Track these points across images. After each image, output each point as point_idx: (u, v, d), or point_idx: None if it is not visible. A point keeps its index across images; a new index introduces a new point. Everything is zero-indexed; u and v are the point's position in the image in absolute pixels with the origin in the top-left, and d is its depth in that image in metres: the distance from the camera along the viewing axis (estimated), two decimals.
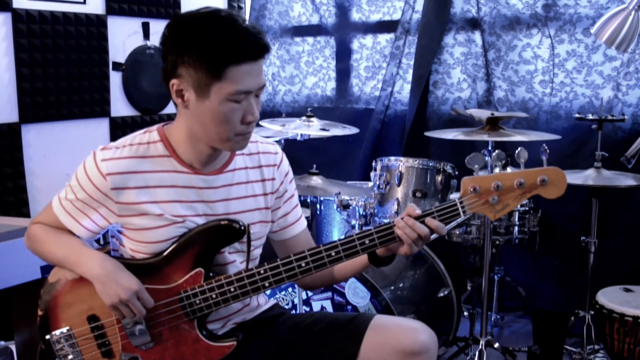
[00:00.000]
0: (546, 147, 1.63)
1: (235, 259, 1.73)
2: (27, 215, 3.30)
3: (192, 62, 1.52)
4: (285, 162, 1.85)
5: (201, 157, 1.66)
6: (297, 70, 4.35)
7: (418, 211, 1.61)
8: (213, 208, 1.69)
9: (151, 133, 1.69)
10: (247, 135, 1.63)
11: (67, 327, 1.69)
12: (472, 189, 1.60)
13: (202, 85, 1.53)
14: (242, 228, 1.65)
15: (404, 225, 1.60)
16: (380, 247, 1.64)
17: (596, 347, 2.97)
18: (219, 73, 1.51)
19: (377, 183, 3.01)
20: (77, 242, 1.69)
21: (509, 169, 2.80)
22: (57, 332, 1.70)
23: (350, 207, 2.88)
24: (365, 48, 4.10)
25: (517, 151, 1.62)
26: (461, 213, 1.60)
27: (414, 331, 1.66)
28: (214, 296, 1.64)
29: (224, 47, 1.50)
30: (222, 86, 1.52)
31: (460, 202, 1.61)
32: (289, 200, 1.84)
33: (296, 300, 2.69)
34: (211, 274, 1.66)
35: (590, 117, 2.95)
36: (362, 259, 1.72)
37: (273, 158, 1.81)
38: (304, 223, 1.89)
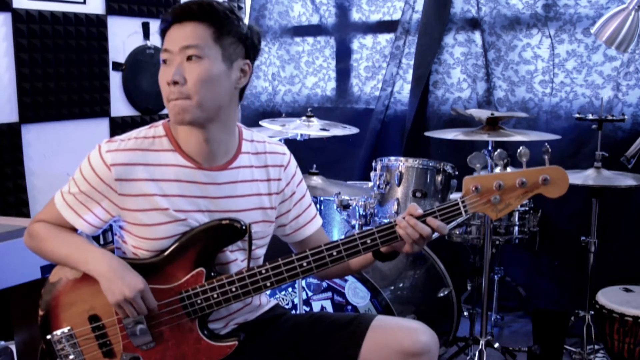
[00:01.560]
0: (548, 147, 1.63)
1: (237, 258, 1.73)
2: (27, 215, 3.30)
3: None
4: (293, 163, 1.85)
5: (198, 147, 1.66)
6: (297, 70, 4.35)
7: (420, 211, 1.61)
8: (216, 204, 1.68)
9: (157, 128, 1.70)
10: (173, 103, 1.59)
11: (68, 327, 1.69)
12: (473, 188, 1.59)
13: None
14: (244, 227, 1.65)
15: (405, 225, 1.60)
16: (382, 247, 1.64)
17: (596, 347, 2.98)
18: (163, 38, 1.63)
19: (377, 183, 3.01)
20: (80, 240, 1.69)
21: (509, 169, 2.80)
22: (58, 332, 1.69)
23: (350, 207, 2.88)
24: (365, 48, 4.10)
25: (519, 150, 1.62)
26: (463, 212, 1.60)
27: (415, 332, 1.67)
28: (215, 296, 1.64)
29: (167, 14, 1.62)
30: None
31: (462, 202, 1.60)
32: (299, 202, 1.84)
33: (296, 300, 2.69)
34: (212, 274, 1.66)
35: (590, 117, 2.95)
36: (368, 254, 1.72)
37: (280, 159, 1.81)
38: (317, 222, 1.89)
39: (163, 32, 1.63)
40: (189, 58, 1.58)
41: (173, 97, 1.58)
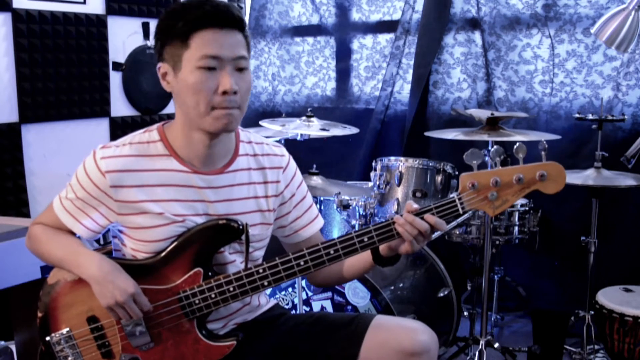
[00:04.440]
0: (545, 143, 1.62)
1: (235, 259, 1.73)
2: (27, 215, 3.30)
3: (168, 40, 1.59)
4: (292, 165, 1.84)
5: (199, 152, 1.65)
6: (297, 70, 4.35)
7: (416, 206, 1.61)
8: (213, 208, 1.68)
9: (151, 132, 1.69)
10: (226, 111, 1.57)
11: (67, 329, 1.69)
12: (470, 185, 1.59)
13: (175, 58, 1.58)
14: (241, 227, 1.64)
15: (404, 221, 1.59)
16: (380, 245, 1.64)
17: (596, 347, 2.97)
18: (186, 40, 1.55)
19: (377, 183, 3.00)
20: (75, 243, 1.69)
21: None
22: (57, 333, 1.70)
23: (350, 207, 2.88)
24: (365, 48, 4.10)
25: (515, 146, 1.61)
26: (460, 209, 1.60)
27: (415, 332, 1.66)
28: (213, 296, 1.64)
29: (188, 15, 1.56)
30: (191, 53, 1.56)
31: (459, 199, 1.60)
32: (299, 203, 1.84)
33: (296, 300, 2.69)
34: (210, 274, 1.66)
35: (590, 117, 2.95)
36: (368, 258, 1.72)
37: (278, 160, 1.80)
38: (317, 224, 1.88)
39: (192, 31, 1.55)
40: (240, 69, 1.59)
41: (226, 106, 1.57)
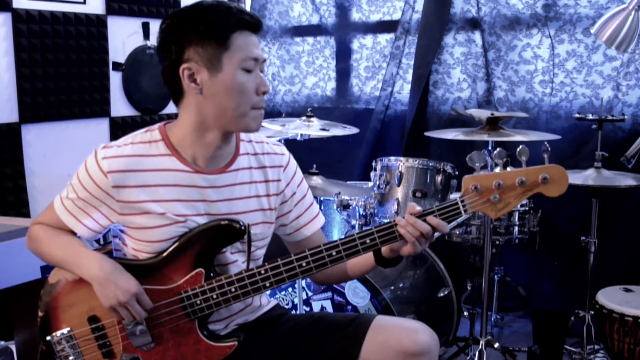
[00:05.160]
0: (548, 146, 1.63)
1: (237, 259, 1.73)
2: (27, 215, 3.30)
3: (198, 40, 1.58)
4: (293, 163, 1.84)
5: (207, 151, 1.66)
6: (297, 70, 4.35)
7: (419, 208, 1.61)
8: (215, 207, 1.68)
9: (152, 132, 1.69)
10: (261, 111, 1.65)
11: (68, 328, 1.69)
12: (473, 188, 1.59)
13: (213, 59, 1.58)
14: (243, 228, 1.64)
15: (405, 223, 1.59)
16: (382, 246, 1.64)
17: (596, 347, 2.97)
18: (225, 41, 1.57)
19: (377, 183, 3.01)
20: (76, 243, 1.69)
21: (509, 168, 2.80)
22: (58, 333, 1.70)
23: (350, 207, 2.88)
24: (365, 48, 4.10)
25: (518, 149, 1.61)
26: (462, 212, 1.60)
27: (415, 332, 1.66)
28: (214, 296, 1.64)
29: (225, 17, 1.58)
30: (232, 54, 1.58)
31: (462, 201, 1.60)
32: (300, 202, 1.84)
33: (296, 300, 2.69)
34: (212, 274, 1.66)
35: (590, 117, 2.95)
36: (370, 259, 1.72)
37: (279, 159, 1.80)
38: (318, 223, 1.88)
39: (231, 33, 1.59)
40: (262, 70, 1.66)
41: (262, 106, 1.64)
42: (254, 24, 1.61)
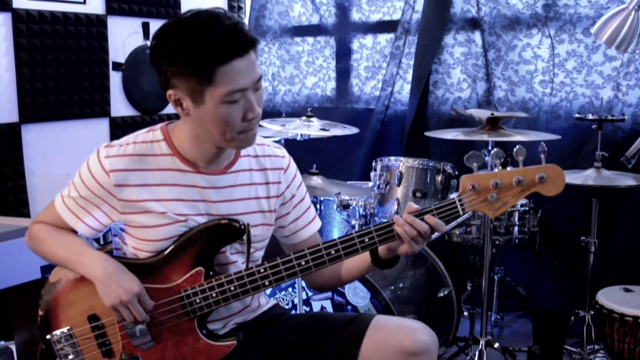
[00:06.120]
0: (544, 145, 1.63)
1: (236, 259, 1.73)
2: (27, 215, 3.30)
3: (181, 72, 1.51)
4: (293, 166, 1.84)
5: (206, 156, 1.66)
6: (297, 70, 4.35)
7: (416, 207, 1.61)
8: (215, 208, 1.68)
9: (155, 132, 1.69)
10: (251, 132, 1.60)
11: (68, 327, 1.69)
12: (470, 187, 1.60)
13: (195, 92, 1.52)
14: (242, 227, 1.65)
15: (403, 222, 1.59)
16: (380, 245, 1.64)
17: (596, 347, 2.97)
18: (208, 77, 1.49)
19: (377, 183, 3.01)
20: (79, 242, 1.69)
21: (509, 168, 2.80)
22: (58, 332, 1.70)
23: (350, 207, 2.88)
24: (365, 48, 4.10)
25: (515, 149, 1.62)
26: (460, 211, 1.60)
27: (415, 331, 1.66)
28: (214, 295, 1.64)
29: (206, 51, 1.48)
30: (214, 89, 1.50)
31: (459, 200, 1.60)
32: (298, 204, 1.84)
33: (296, 300, 2.69)
34: (211, 273, 1.66)
35: (590, 117, 2.95)
36: (366, 260, 1.72)
37: (280, 161, 1.80)
38: (315, 225, 1.88)
39: (214, 69, 1.48)
40: (257, 89, 1.58)
41: (252, 128, 1.59)
42: (244, 49, 1.50)
